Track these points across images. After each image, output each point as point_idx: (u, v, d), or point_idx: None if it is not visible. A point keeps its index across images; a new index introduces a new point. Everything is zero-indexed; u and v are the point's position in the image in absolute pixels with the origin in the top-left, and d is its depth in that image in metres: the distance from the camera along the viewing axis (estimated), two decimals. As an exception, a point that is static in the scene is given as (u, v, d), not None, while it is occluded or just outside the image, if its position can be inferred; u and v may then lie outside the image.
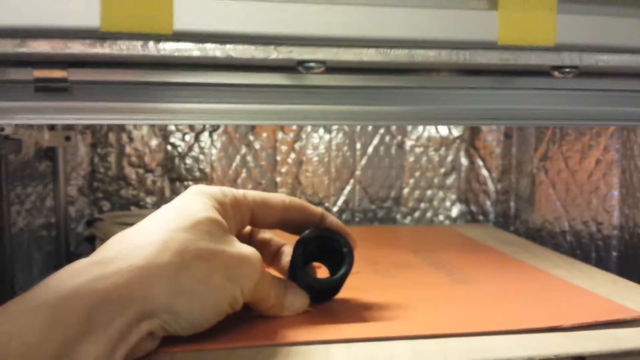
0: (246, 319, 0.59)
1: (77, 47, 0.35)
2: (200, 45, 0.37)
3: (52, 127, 0.90)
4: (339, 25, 0.35)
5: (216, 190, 0.54)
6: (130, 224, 0.86)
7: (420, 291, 0.70)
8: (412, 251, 0.89)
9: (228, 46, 0.37)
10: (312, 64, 0.38)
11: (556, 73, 0.43)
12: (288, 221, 0.59)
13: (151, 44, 0.36)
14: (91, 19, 0.32)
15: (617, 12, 0.37)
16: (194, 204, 0.52)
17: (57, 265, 0.98)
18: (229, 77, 0.41)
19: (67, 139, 0.91)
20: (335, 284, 0.63)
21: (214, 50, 0.37)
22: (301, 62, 0.39)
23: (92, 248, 0.86)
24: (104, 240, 0.83)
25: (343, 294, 0.68)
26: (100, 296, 0.43)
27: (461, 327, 0.57)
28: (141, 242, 0.49)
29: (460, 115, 0.46)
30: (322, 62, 0.38)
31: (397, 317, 0.60)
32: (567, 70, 0.42)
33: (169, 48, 0.37)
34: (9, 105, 0.38)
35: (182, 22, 0.34)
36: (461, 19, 0.36)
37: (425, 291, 0.70)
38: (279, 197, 0.56)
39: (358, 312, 0.62)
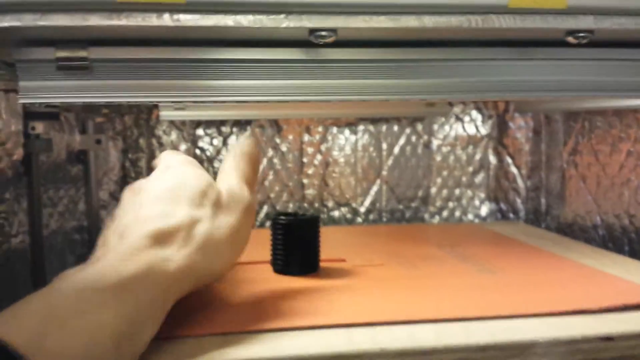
0: (268, 302, 0.59)
1: (95, 20, 0.37)
2: (212, 16, 0.38)
3: (83, 131, 0.92)
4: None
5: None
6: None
7: (445, 280, 0.69)
8: (437, 246, 0.88)
9: (239, 16, 0.38)
10: (323, 33, 0.39)
11: (570, 38, 0.42)
12: None
13: (166, 15, 0.37)
14: None
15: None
16: (197, 179, 0.54)
17: (90, 266, 1.00)
18: (245, 53, 0.42)
19: (98, 142, 0.93)
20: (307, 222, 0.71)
21: (225, 20, 0.38)
22: (313, 31, 0.39)
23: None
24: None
25: (366, 282, 0.69)
26: (170, 277, 0.46)
27: (485, 311, 0.57)
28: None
29: (475, 88, 0.46)
30: (333, 30, 0.38)
31: (419, 302, 0.60)
32: (581, 35, 0.41)
33: (183, 19, 0.38)
34: (32, 85, 0.39)
35: None
36: None
37: (449, 279, 0.69)
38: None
39: (380, 298, 0.62)
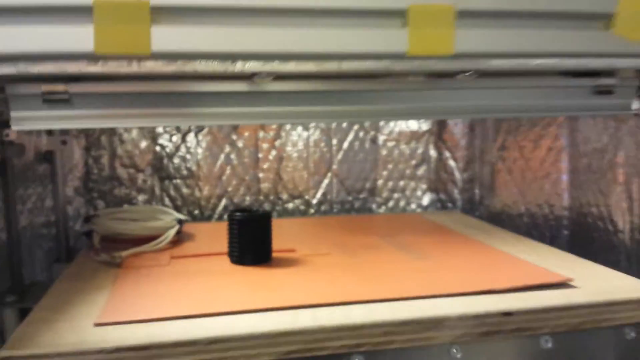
0: (224, 289, 0.68)
1: (77, 67, 0.44)
2: (172, 62, 0.46)
3: (49, 132, 0.98)
4: (280, 44, 0.43)
5: None
6: (124, 219, 0.96)
7: (380, 266, 0.79)
8: (379, 235, 0.99)
9: (196, 62, 0.46)
10: (262, 75, 0.48)
11: (459, 76, 0.52)
12: None
13: (134, 62, 0.45)
14: (88, 45, 0.40)
15: (504, 24, 0.46)
16: None
17: (58, 259, 1.07)
18: (200, 86, 0.50)
19: (64, 142, 1.00)
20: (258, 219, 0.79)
21: (184, 67, 0.46)
22: (254, 74, 0.48)
23: (90, 242, 0.95)
24: (101, 234, 0.92)
25: (311, 270, 0.78)
26: None
27: (409, 292, 0.67)
28: None
29: (388, 112, 0.55)
30: (270, 73, 0.47)
31: (355, 286, 0.70)
32: (467, 73, 0.51)
33: (149, 65, 0.46)
34: (22, 115, 0.47)
35: (157, 45, 0.42)
36: (379, 36, 0.44)
37: (384, 266, 0.79)
38: None
39: (322, 283, 0.72)
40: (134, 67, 0.46)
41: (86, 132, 1.16)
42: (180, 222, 0.95)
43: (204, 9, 0.41)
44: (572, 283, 0.72)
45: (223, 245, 0.84)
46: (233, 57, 0.44)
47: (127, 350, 0.55)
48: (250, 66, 0.47)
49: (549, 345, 0.66)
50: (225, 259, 0.82)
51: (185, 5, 0.41)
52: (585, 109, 0.58)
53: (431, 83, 0.54)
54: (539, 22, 0.46)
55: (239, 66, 0.47)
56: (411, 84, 0.53)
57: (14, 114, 0.48)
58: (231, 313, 0.61)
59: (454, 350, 0.63)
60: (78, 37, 0.40)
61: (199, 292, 0.69)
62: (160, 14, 0.40)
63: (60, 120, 0.48)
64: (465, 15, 0.44)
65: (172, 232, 0.90)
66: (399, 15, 0.43)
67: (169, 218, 0.96)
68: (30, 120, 0.48)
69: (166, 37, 0.41)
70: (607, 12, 0.45)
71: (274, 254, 0.83)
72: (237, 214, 0.79)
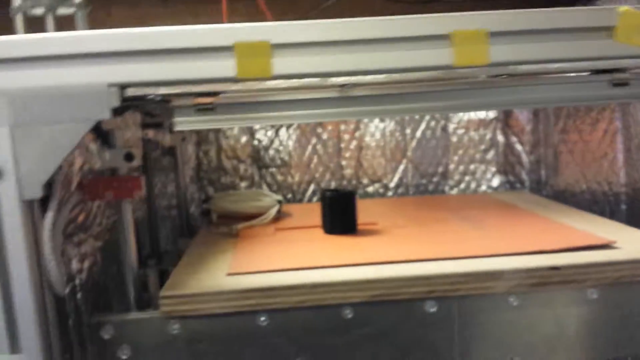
0: (320, 251, 0.86)
1: (224, 87, 0.63)
2: (286, 81, 0.64)
3: (171, 131, 1.20)
4: (362, 64, 0.61)
5: None
6: (234, 201, 1.16)
7: (449, 234, 0.94)
8: (450, 212, 1.13)
9: (303, 80, 0.64)
10: (348, 84, 0.65)
11: (497, 78, 0.68)
12: None
13: (260, 82, 0.64)
14: (232, 72, 0.59)
15: (527, 39, 0.61)
16: None
17: (181, 234, 1.29)
18: (304, 95, 0.68)
19: (183, 139, 1.21)
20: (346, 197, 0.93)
21: (294, 82, 0.64)
22: (343, 85, 0.66)
23: (208, 219, 1.15)
24: (217, 212, 1.12)
25: (392, 236, 0.94)
26: None
27: (473, 252, 0.82)
28: None
29: (460, 106, 0.72)
30: (355, 84, 0.65)
31: (425, 248, 0.86)
32: (503, 75, 0.67)
33: (270, 84, 0.65)
34: (181, 120, 0.67)
35: (277, 70, 0.60)
36: (432, 53, 0.61)
37: (451, 234, 0.94)
38: None
39: (400, 246, 0.88)
40: (261, 85, 0.65)
41: (198, 131, 1.37)
42: (279, 202, 1.13)
43: (307, 44, 0.60)
44: (616, 245, 0.84)
45: (315, 220, 1.01)
46: (327, 75, 0.61)
47: (254, 292, 0.74)
48: (341, 80, 0.65)
49: (594, 296, 0.79)
50: (319, 230, 1.00)
51: (294, 43, 0.60)
52: (608, 98, 0.71)
53: (469, 84, 0.71)
54: (555, 35, 0.60)
55: (333, 80, 0.65)
56: (466, 83, 0.69)
57: (176, 119, 0.68)
58: (329, 267, 0.79)
59: (511, 299, 0.78)
60: (224, 67, 0.59)
61: (302, 252, 0.87)
62: (277, 49, 0.59)
63: (208, 122, 0.68)
64: (497, 34, 0.60)
65: (275, 210, 1.09)
66: (445, 38, 0.60)
67: (269, 199, 1.16)
68: (186, 124, 0.68)
69: (282, 64, 0.60)
70: (610, 25, 0.59)
71: (359, 227, 1.00)
72: (328, 192, 0.97)
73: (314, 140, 1.43)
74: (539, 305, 0.78)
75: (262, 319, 0.74)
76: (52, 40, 0.59)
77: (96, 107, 0.57)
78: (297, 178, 1.43)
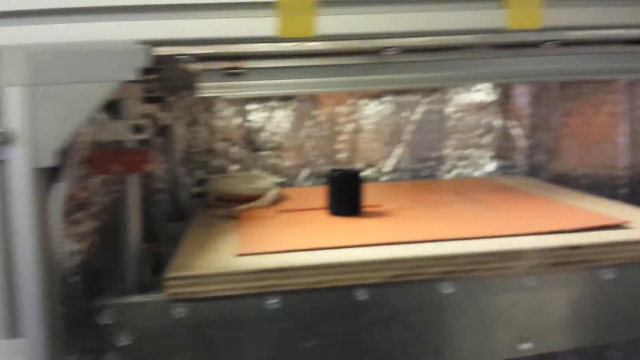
0: (326, 232, 0.82)
1: (260, 48, 0.59)
2: (329, 42, 0.60)
3: (166, 108, 1.14)
4: (410, 25, 0.56)
5: None
6: (231, 183, 1.11)
7: (461, 215, 0.92)
8: (454, 194, 1.11)
9: (344, 41, 0.60)
10: (390, 49, 0.62)
11: (546, 44, 0.64)
12: None
13: (302, 43, 0.59)
14: (272, 30, 0.54)
15: (578, 3, 0.58)
16: None
17: (171, 219, 1.24)
18: (340, 60, 0.64)
19: (177, 118, 1.16)
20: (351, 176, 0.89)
21: (336, 44, 0.60)
22: (385, 48, 0.62)
23: (204, 202, 1.10)
24: (213, 194, 1.08)
25: (402, 217, 0.91)
26: None
27: (490, 232, 0.79)
28: None
29: (481, 76, 0.68)
30: (398, 47, 0.61)
31: (441, 229, 0.83)
32: (553, 41, 0.64)
33: (310, 45, 0.61)
34: (208, 84, 0.62)
35: (320, 30, 0.55)
36: (484, 15, 0.57)
37: (463, 215, 0.92)
38: None
39: (415, 227, 0.85)
40: (302, 46, 0.61)
41: (189, 110, 1.32)
42: (278, 185, 1.09)
43: (352, 1, 0.55)
44: (629, 225, 0.82)
45: (316, 202, 0.98)
46: (374, 36, 0.57)
47: (266, 272, 0.70)
48: (385, 43, 0.61)
49: (610, 276, 0.77)
50: (323, 212, 0.96)
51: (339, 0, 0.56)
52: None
53: (516, 51, 0.67)
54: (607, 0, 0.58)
55: (376, 43, 0.61)
56: (510, 53, 0.66)
57: (203, 84, 0.63)
58: (344, 247, 0.76)
59: (528, 280, 0.75)
60: (265, 25, 0.54)
61: (311, 233, 0.83)
62: (322, 6, 0.55)
63: (237, 89, 0.64)
64: None
65: (274, 191, 1.05)
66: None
67: (267, 182, 1.11)
68: (214, 89, 0.64)
69: (326, 23, 0.55)
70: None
71: (364, 209, 0.97)
72: (336, 171, 0.93)
73: (308, 123, 1.39)
74: (557, 285, 0.76)
75: (274, 301, 0.71)
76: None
77: (121, 67, 0.51)
78: (290, 161, 1.39)
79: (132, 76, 0.52)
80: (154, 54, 0.54)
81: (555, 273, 0.76)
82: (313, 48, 0.62)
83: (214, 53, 0.58)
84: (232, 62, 0.60)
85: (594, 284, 0.77)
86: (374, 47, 0.62)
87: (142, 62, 0.52)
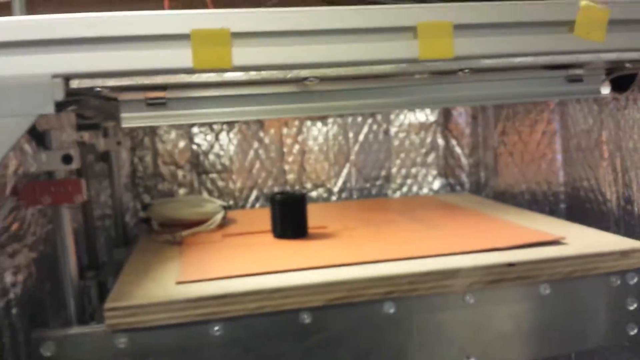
0: (272, 256, 0.82)
1: (178, 79, 0.59)
2: (246, 73, 0.60)
3: (105, 134, 1.13)
4: (325, 56, 0.58)
5: None
6: (175, 208, 1.10)
7: (402, 234, 0.93)
8: (398, 213, 1.13)
9: (263, 72, 0.60)
10: (311, 79, 0.62)
11: (460, 73, 0.67)
12: None
13: (220, 74, 0.59)
14: (187, 62, 0.55)
15: (491, 33, 0.61)
16: None
17: (117, 245, 1.21)
18: (262, 89, 0.64)
19: (118, 143, 1.14)
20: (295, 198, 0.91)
21: (254, 75, 0.60)
22: (305, 78, 0.62)
23: (149, 227, 1.09)
24: (157, 220, 1.06)
25: (345, 238, 0.92)
26: None
27: (429, 251, 0.81)
28: None
29: (402, 104, 0.70)
30: (317, 78, 0.62)
31: (381, 249, 0.84)
32: (466, 70, 0.67)
33: (230, 75, 0.61)
34: (130, 115, 0.61)
35: (236, 61, 0.56)
36: (397, 46, 0.59)
37: (404, 234, 0.93)
38: None
39: (355, 248, 0.86)
40: (220, 77, 0.61)
41: (131, 135, 1.30)
42: (225, 208, 1.09)
43: (268, 33, 0.56)
44: (564, 241, 0.86)
45: (263, 225, 0.98)
46: (291, 67, 0.58)
47: (207, 300, 0.69)
48: (303, 73, 0.62)
49: (547, 291, 0.80)
50: (269, 235, 0.96)
51: (254, 32, 0.56)
52: (561, 95, 0.73)
53: (435, 79, 0.70)
54: (517, 29, 0.61)
55: (295, 73, 0.62)
56: (418, 80, 0.68)
57: (123, 114, 0.62)
58: (285, 271, 0.76)
59: (467, 297, 0.77)
60: (180, 57, 0.55)
61: (254, 258, 0.83)
62: (238, 38, 0.55)
63: (159, 119, 0.63)
64: (461, 27, 0.59)
65: (220, 215, 1.04)
66: (411, 30, 0.59)
67: (213, 205, 1.11)
68: (135, 120, 0.62)
69: (242, 54, 0.56)
70: (569, 20, 0.60)
71: (309, 231, 0.97)
72: (279, 195, 0.94)
73: (255, 145, 1.39)
74: (494, 303, 0.78)
75: (216, 328, 0.70)
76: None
77: (38, 100, 0.51)
78: (238, 184, 1.39)
79: (49, 109, 0.52)
80: (71, 86, 0.53)
81: (494, 290, 0.78)
82: (233, 78, 0.63)
83: (134, 85, 0.58)
84: (154, 92, 0.60)
85: (532, 300, 0.80)
86: (294, 77, 0.63)
87: (59, 95, 0.52)
